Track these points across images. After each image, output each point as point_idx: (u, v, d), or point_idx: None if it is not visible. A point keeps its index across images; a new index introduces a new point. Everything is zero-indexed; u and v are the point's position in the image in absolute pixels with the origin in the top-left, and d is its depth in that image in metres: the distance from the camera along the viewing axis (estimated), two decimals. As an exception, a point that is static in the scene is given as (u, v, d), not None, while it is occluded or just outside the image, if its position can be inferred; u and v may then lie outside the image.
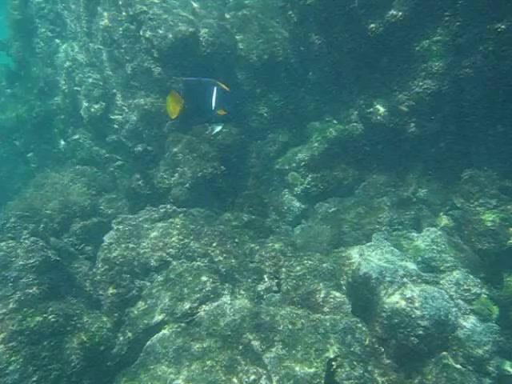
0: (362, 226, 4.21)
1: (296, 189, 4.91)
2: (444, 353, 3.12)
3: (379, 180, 4.85)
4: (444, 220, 4.32)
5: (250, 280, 3.49)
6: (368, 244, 3.62)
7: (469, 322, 3.15)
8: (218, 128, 3.58)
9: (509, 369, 3.35)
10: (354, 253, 3.58)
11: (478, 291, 3.24)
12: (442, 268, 3.39)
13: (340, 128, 4.99)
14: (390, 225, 4.14)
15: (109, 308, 3.30)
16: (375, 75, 4.63)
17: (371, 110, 4.74)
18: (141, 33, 4.81)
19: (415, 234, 3.79)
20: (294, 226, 4.75)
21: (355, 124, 4.97)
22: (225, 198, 4.92)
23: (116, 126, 5.29)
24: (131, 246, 3.60)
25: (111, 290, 3.32)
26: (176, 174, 4.82)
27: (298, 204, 4.87)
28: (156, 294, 3.36)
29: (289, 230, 4.65)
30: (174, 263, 3.57)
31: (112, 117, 5.26)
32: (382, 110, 4.67)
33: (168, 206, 4.11)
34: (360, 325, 3.06)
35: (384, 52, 4.38)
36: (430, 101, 4.30)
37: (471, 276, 3.33)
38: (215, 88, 3.32)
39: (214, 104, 3.31)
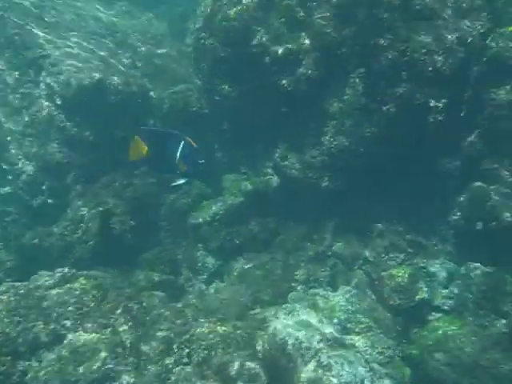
0: (279, 284, 4.08)
1: (210, 244, 4.69)
2: (362, 421, 3.00)
3: (296, 234, 4.80)
4: (358, 275, 4.33)
5: (157, 352, 3.15)
6: (284, 305, 3.48)
7: (384, 387, 3.08)
8: (180, 181, 3.48)
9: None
10: (270, 315, 3.41)
11: (392, 354, 3.21)
12: (357, 330, 3.34)
13: (256, 181, 4.92)
14: (306, 282, 4.05)
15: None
16: (289, 129, 4.68)
17: (286, 163, 4.74)
18: (41, 78, 4.46)
19: (331, 293, 3.74)
20: (209, 284, 4.49)
21: (271, 177, 4.94)
22: (135, 256, 4.56)
23: (10, 177, 4.76)
24: (16, 319, 3.11)
25: (-16, 379, 2.79)
26: (79, 231, 4.40)
27: (212, 260, 4.64)
28: (43, 377, 2.89)
29: (202, 288, 4.39)
30: (70, 337, 3.14)
31: (5, 166, 4.73)
32: (296, 164, 4.69)
33: (66, 270, 3.67)
34: (276, 399, 2.85)
35: (297, 107, 4.45)
36: (341, 157, 4.41)
37: (385, 338, 3.30)
38: (182, 142, 3.22)
39: (177, 158, 3.22)
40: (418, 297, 4.01)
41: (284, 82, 4.20)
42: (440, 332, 3.75)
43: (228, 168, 5.23)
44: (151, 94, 5.14)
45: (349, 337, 3.25)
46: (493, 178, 4.37)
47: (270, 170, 4.97)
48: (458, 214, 4.46)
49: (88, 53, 4.80)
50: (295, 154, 4.71)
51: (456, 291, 4.19)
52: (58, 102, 4.51)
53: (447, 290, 4.21)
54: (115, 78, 4.64)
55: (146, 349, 3.15)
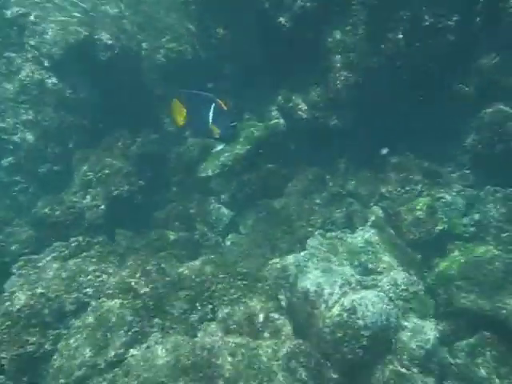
0: (295, 230, 4.03)
1: (222, 196, 4.61)
2: (389, 357, 3.03)
3: (307, 177, 4.68)
4: (375, 212, 4.25)
5: (181, 311, 3.17)
6: (303, 253, 3.43)
7: (410, 322, 3.09)
8: (219, 147, 3.34)
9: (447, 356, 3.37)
10: (290, 264, 3.37)
11: (415, 289, 3.18)
12: (378, 269, 3.29)
13: (262, 126, 4.74)
14: (323, 226, 3.99)
15: (15, 372, 2.83)
16: (291, 69, 4.44)
17: (291, 105, 4.54)
18: (24, 39, 4.21)
19: (349, 235, 3.67)
20: (225, 237, 4.47)
21: (277, 121, 4.75)
22: (147, 215, 4.53)
23: (11, 147, 4.65)
24: (39, 291, 3.12)
25: (16, 351, 2.85)
26: (88, 196, 4.33)
27: (226, 212, 4.58)
28: (74, 344, 2.94)
29: (219, 241, 4.36)
30: (94, 304, 3.16)
31: (5, 136, 4.61)
32: (302, 104, 4.49)
33: (80, 239, 3.65)
34: (303, 347, 2.87)
35: (298, 45, 4.17)
36: (348, 93, 4.18)
37: (407, 274, 3.26)
38: (213, 105, 3.06)
39: (210, 122, 3.08)
40: (437, 228, 3.93)
41: (281, 19, 3.90)
42: (462, 260, 3.70)
43: (232, 115, 5.03)
44: (143, 45, 4.86)
45: (371, 277, 3.22)
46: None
47: (275, 114, 4.78)
48: (475, 137, 4.28)
49: (71, 6, 4.49)
50: (300, 95, 4.50)
51: (476, 217, 4.10)
52: (47, 64, 4.29)
53: (467, 218, 4.12)
54: (103, 32, 4.37)
55: (170, 308, 3.17)
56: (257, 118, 4.93)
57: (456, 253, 3.84)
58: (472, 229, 4.02)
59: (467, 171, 4.39)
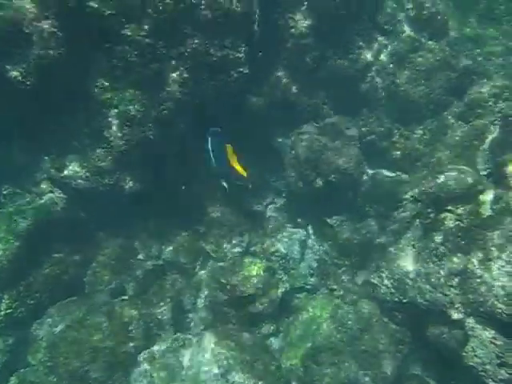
0: (111, 349, 2.94)
1: (-10, 319, 3.22)
2: None
3: (114, 253, 3.69)
4: (205, 287, 3.51)
5: None
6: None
7: None
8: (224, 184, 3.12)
9: None
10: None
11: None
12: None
13: (33, 208, 3.42)
14: (146, 332, 3.00)
15: None
16: (54, 128, 3.29)
17: (66, 173, 3.40)
18: None
19: (186, 350, 2.76)
20: (10, 377, 3.12)
21: (52, 195, 3.52)
22: None
23: None
24: None
25: None
26: None
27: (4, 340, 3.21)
28: None
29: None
30: None
31: None
32: (82, 171, 3.38)
33: None
34: None
35: (54, 101, 3.03)
36: (138, 150, 3.25)
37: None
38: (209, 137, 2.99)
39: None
40: (280, 291, 3.39)
41: (14, 73, 2.68)
42: (315, 327, 3.24)
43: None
44: None
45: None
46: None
47: (47, 186, 3.53)
48: (294, 174, 3.83)
49: None
50: (75, 159, 3.40)
51: (314, 264, 3.75)
52: None
53: (305, 265, 3.72)
54: None
55: None
56: (23, 192, 3.59)
57: (305, 316, 3.35)
58: (313, 279, 3.62)
59: (293, 210, 3.96)
